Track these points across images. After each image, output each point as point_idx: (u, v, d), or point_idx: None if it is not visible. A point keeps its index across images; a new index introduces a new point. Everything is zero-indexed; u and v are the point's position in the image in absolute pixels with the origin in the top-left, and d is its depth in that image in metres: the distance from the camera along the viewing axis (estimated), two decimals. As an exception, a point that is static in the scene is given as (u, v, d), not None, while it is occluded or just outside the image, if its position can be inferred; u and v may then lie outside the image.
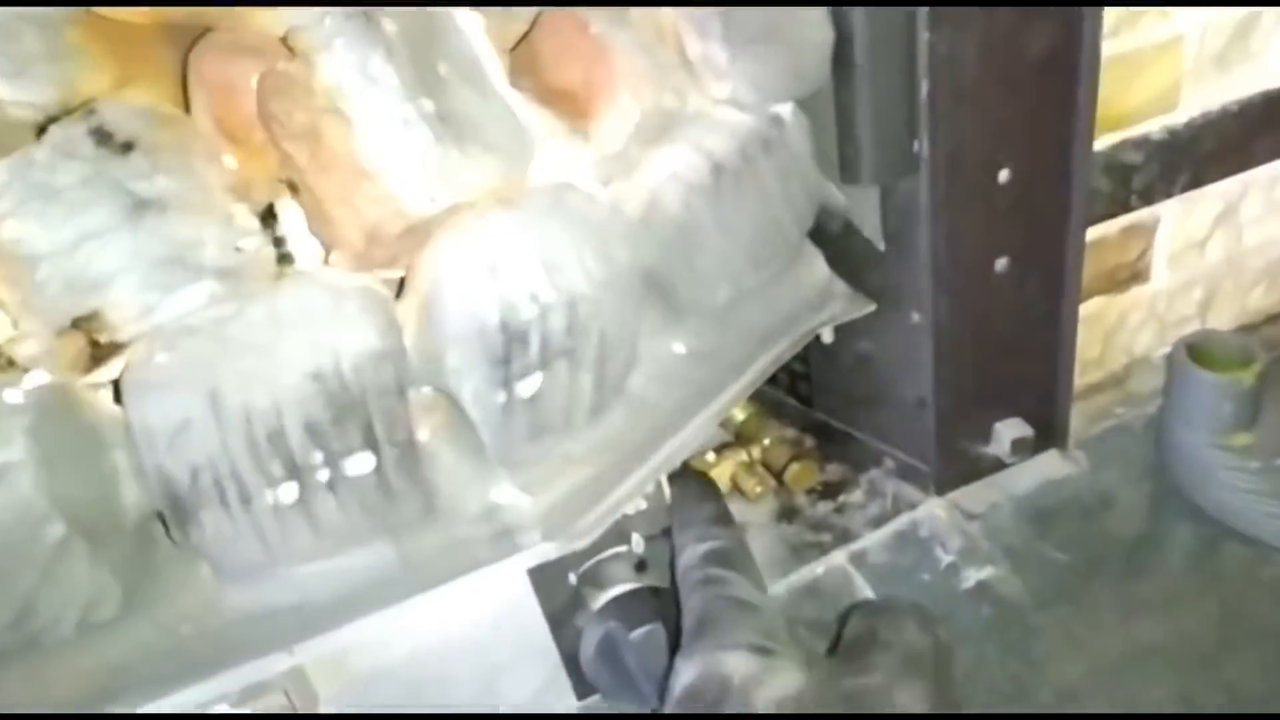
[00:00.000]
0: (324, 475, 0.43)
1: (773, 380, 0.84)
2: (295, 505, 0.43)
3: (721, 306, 0.56)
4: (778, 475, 0.75)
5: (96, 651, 0.44)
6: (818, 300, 0.62)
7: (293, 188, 0.48)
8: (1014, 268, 0.66)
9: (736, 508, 0.76)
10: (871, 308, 0.65)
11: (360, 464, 0.43)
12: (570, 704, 0.64)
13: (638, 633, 0.58)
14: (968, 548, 0.71)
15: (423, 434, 0.51)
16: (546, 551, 0.51)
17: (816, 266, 0.62)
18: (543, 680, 0.63)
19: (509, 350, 0.44)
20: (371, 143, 0.43)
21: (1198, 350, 0.72)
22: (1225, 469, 0.71)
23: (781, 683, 0.44)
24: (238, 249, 0.43)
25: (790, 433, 0.83)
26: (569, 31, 0.51)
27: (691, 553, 0.55)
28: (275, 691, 0.57)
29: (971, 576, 0.69)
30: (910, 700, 0.43)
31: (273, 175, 0.48)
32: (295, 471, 0.42)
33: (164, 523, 0.44)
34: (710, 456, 0.76)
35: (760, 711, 0.42)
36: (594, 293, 0.46)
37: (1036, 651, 0.64)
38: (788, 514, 0.76)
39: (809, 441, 0.83)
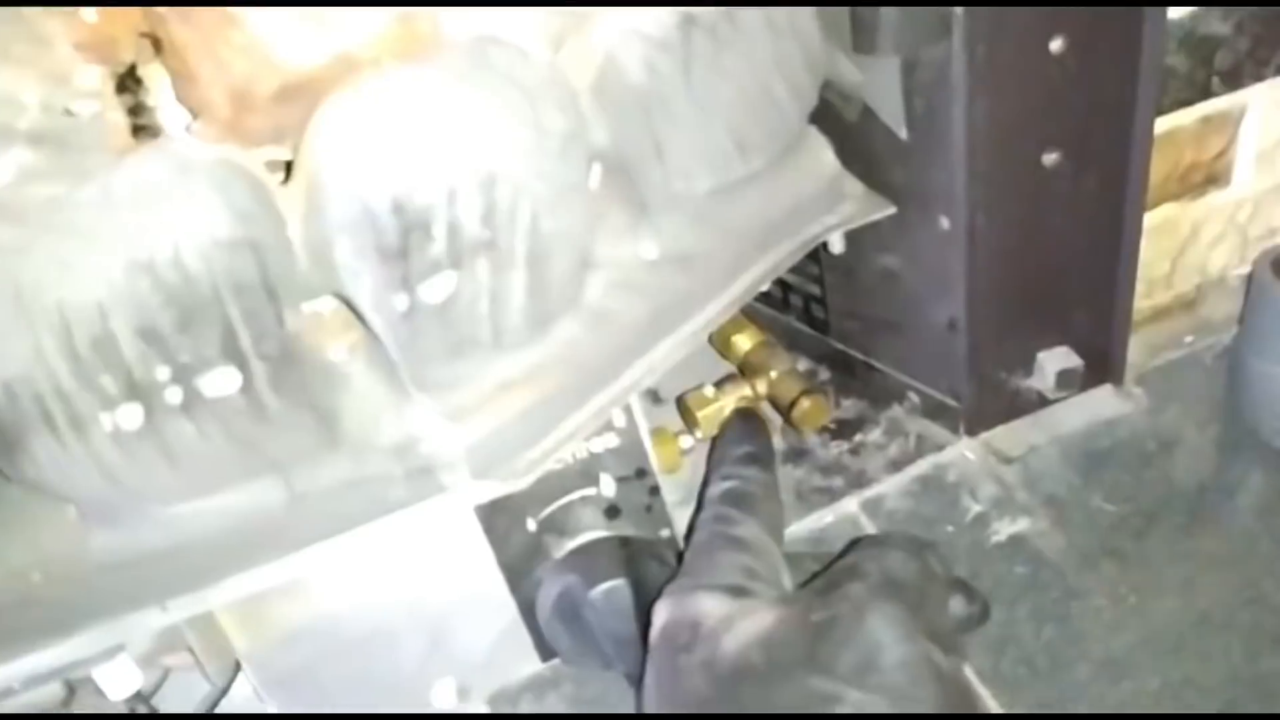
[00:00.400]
0: (175, 395, 0.34)
1: (784, 305, 0.74)
2: (142, 432, 0.34)
3: (701, 200, 0.46)
4: (786, 412, 0.65)
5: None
6: (825, 200, 0.52)
7: (156, 44, 0.38)
8: (1067, 162, 0.55)
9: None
10: (891, 210, 0.55)
11: (221, 382, 0.35)
12: (532, 662, 0.56)
13: (598, 589, 0.49)
14: (1001, 496, 0.61)
15: (336, 353, 0.42)
16: (476, 494, 0.42)
17: (823, 157, 0.51)
18: (497, 634, 0.55)
19: (406, 241, 0.35)
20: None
21: (1287, 268, 0.60)
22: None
23: (750, 624, 0.40)
24: (68, 112, 0.34)
25: (803, 365, 0.73)
26: None
27: (710, 492, 0.52)
28: (179, 650, 0.50)
29: (1004, 529, 0.59)
30: (880, 624, 0.38)
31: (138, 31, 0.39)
32: (136, 390, 0.34)
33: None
34: (709, 390, 0.66)
35: (728, 653, 0.39)
36: (521, 173, 0.36)
37: (1078, 618, 0.54)
38: (795, 455, 0.67)
39: (824, 374, 0.73)
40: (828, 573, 0.43)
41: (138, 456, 0.35)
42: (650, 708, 0.43)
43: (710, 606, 0.42)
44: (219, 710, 0.54)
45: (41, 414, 0.33)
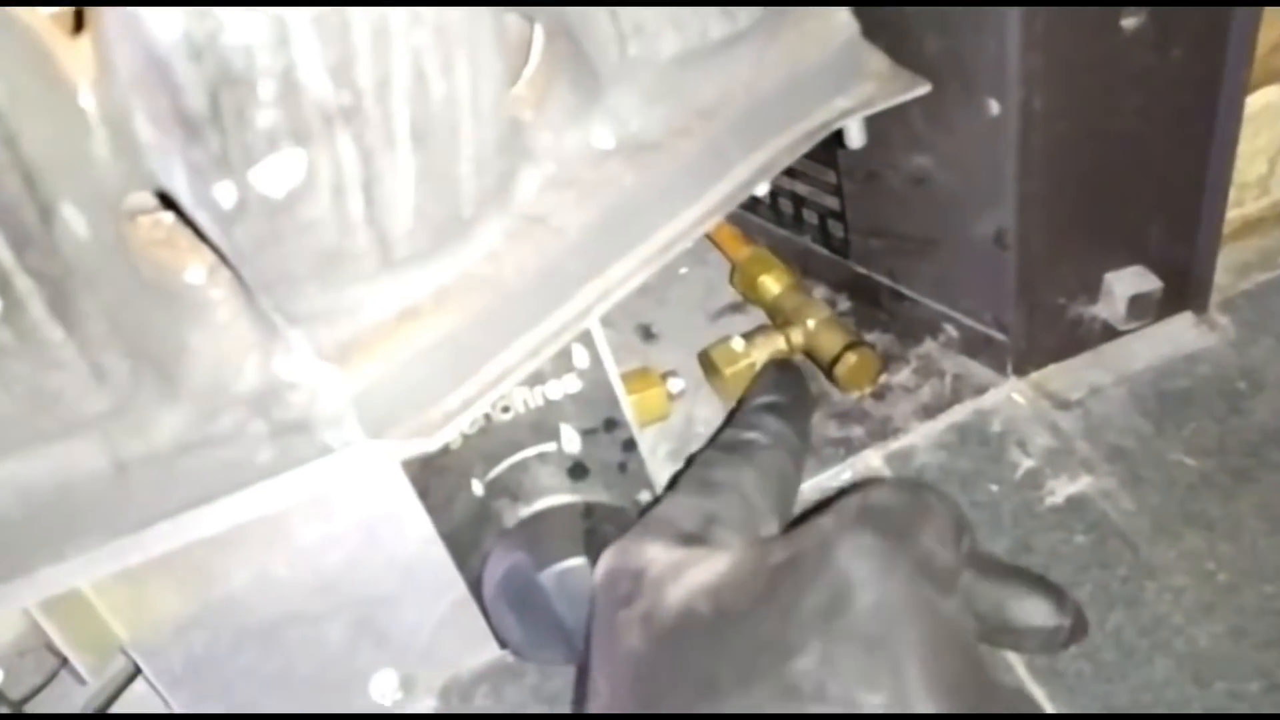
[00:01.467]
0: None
1: (796, 222, 0.63)
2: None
3: (667, 69, 0.35)
4: (827, 369, 0.55)
5: None
6: (837, 75, 0.40)
7: None
8: (1152, 26, 0.43)
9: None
10: (925, 89, 0.43)
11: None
12: (488, 648, 0.47)
13: (551, 570, 0.39)
14: (1057, 449, 0.50)
15: (193, 274, 0.32)
16: (374, 456, 0.32)
17: (835, 18, 0.40)
18: (441, 617, 0.46)
19: (216, 101, 0.24)
20: None
21: None
22: None
23: (699, 571, 0.31)
24: None
25: (819, 293, 0.62)
26: None
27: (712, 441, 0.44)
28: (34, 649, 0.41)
29: (1061, 489, 0.49)
30: (852, 556, 0.28)
31: None
32: None
33: None
34: (738, 344, 0.55)
35: (671, 605, 0.31)
36: (387, 11, 0.25)
37: (1154, 600, 0.44)
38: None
39: (843, 304, 0.62)
40: (800, 519, 0.34)
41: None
42: (592, 673, 0.34)
43: (656, 554, 0.33)
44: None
45: None
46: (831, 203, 0.58)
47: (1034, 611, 0.34)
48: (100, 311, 0.27)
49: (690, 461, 0.42)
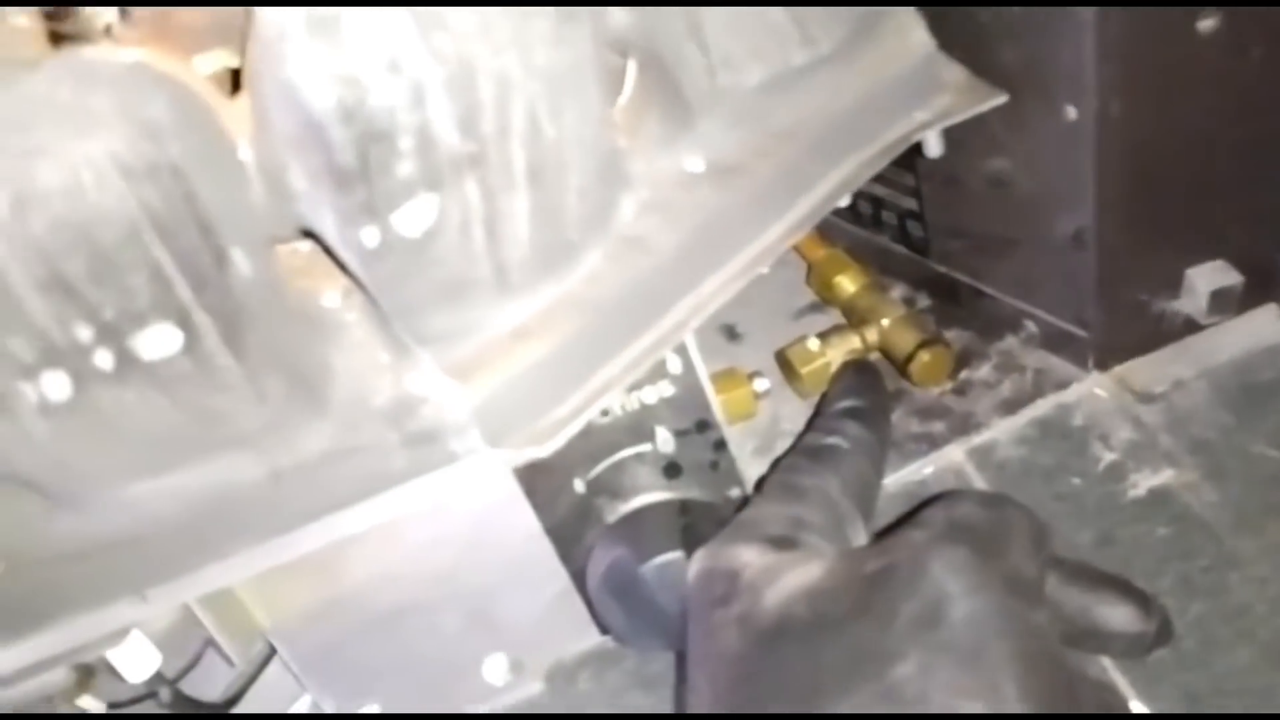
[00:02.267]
0: (105, 359, 0.28)
1: (875, 223, 0.64)
2: (73, 403, 0.29)
3: (753, 97, 0.37)
4: (901, 368, 0.56)
5: None
6: (915, 90, 0.42)
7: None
8: (1228, 28, 0.44)
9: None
10: (1002, 99, 0.45)
11: (160, 341, 0.28)
12: (591, 634, 0.50)
13: (651, 564, 0.42)
14: (1140, 442, 0.51)
15: (329, 299, 0.36)
16: (494, 462, 0.35)
17: (912, 36, 0.41)
18: (547, 606, 0.49)
19: (365, 158, 0.28)
20: None
21: None
22: None
23: (796, 576, 0.33)
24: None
25: (899, 292, 0.64)
26: None
27: (793, 447, 0.45)
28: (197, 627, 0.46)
29: (1144, 482, 0.50)
30: (945, 571, 0.29)
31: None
32: (56, 355, 0.28)
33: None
34: (814, 344, 0.58)
35: (769, 608, 0.33)
36: (508, 64, 0.28)
37: (1237, 590, 0.45)
38: (891, 398, 0.58)
39: (923, 302, 0.64)
40: (887, 529, 0.36)
41: (74, 431, 0.30)
42: (690, 671, 0.37)
43: (750, 557, 0.35)
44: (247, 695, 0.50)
45: (-52, 387, 0.28)
46: (910, 204, 0.60)
47: (1120, 616, 0.35)
48: (261, 339, 0.31)
49: (774, 466, 0.45)
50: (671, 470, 0.47)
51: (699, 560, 0.37)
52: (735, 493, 0.48)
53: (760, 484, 0.44)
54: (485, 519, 0.46)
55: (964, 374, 0.58)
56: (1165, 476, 0.50)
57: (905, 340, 0.57)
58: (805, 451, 0.44)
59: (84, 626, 0.35)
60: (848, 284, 0.61)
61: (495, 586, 0.48)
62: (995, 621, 0.29)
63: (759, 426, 0.58)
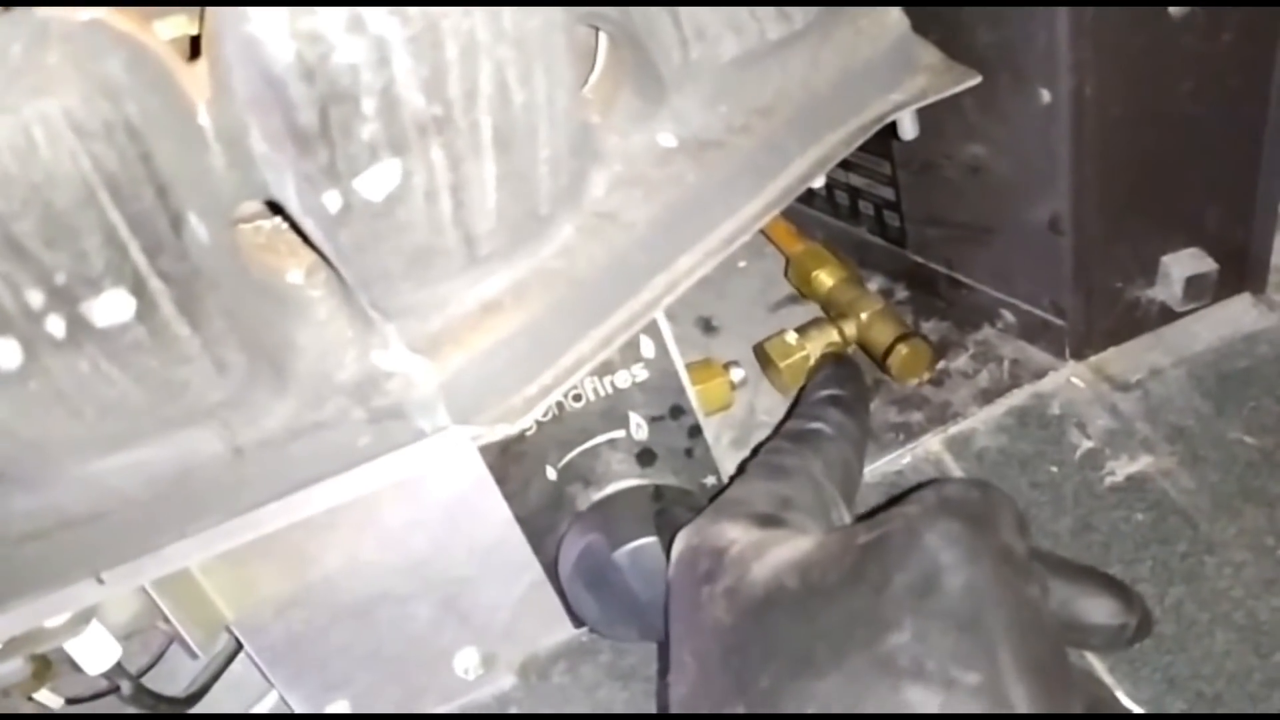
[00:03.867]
0: (56, 326, 0.27)
1: (852, 213, 0.64)
2: (24, 371, 0.28)
3: (727, 71, 0.37)
4: (880, 361, 0.56)
5: None
6: (889, 70, 0.42)
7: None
8: (1200, 13, 0.44)
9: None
10: (976, 80, 0.44)
11: (112, 307, 0.27)
12: (565, 627, 0.49)
13: (624, 549, 0.42)
14: (1117, 429, 0.51)
15: (293, 276, 0.35)
16: (462, 439, 0.34)
17: (887, 15, 0.41)
18: (520, 598, 0.48)
19: (326, 118, 0.27)
20: None
21: None
22: None
23: (784, 550, 0.33)
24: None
25: (877, 283, 0.64)
26: None
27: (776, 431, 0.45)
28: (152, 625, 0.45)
29: (1121, 469, 0.50)
30: (940, 541, 0.29)
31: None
32: (6, 321, 0.27)
33: None
34: (792, 338, 0.57)
35: (757, 579, 0.32)
36: (475, 26, 0.28)
37: (1214, 575, 0.45)
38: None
39: (901, 293, 0.63)
40: (870, 513, 0.35)
41: (25, 402, 0.29)
42: (674, 649, 0.36)
43: (736, 534, 0.35)
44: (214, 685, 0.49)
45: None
46: (887, 193, 0.60)
47: (1101, 609, 0.34)
48: (221, 310, 0.30)
49: (756, 451, 0.44)
50: (645, 457, 0.46)
51: (683, 539, 0.37)
52: (710, 480, 0.47)
53: (742, 467, 0.43)
54: (457, 507, 0.45)
55: (942, 364, 0.57)
56: (1143, 464, 0.50)
57: (883, 334, 0.57)
58: (788, 435, 0.43)
59: (40, 609, 0.34)
60: (826, 278, 0.61)
61: (467, 578, 0.47)
62: (991, 590, 0.28)
63: (735, 418, 0.58)
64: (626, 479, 0.46)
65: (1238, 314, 0.54)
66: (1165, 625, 0.44)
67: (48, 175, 0.25)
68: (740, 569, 0.33)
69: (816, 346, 0.58)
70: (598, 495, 0.46)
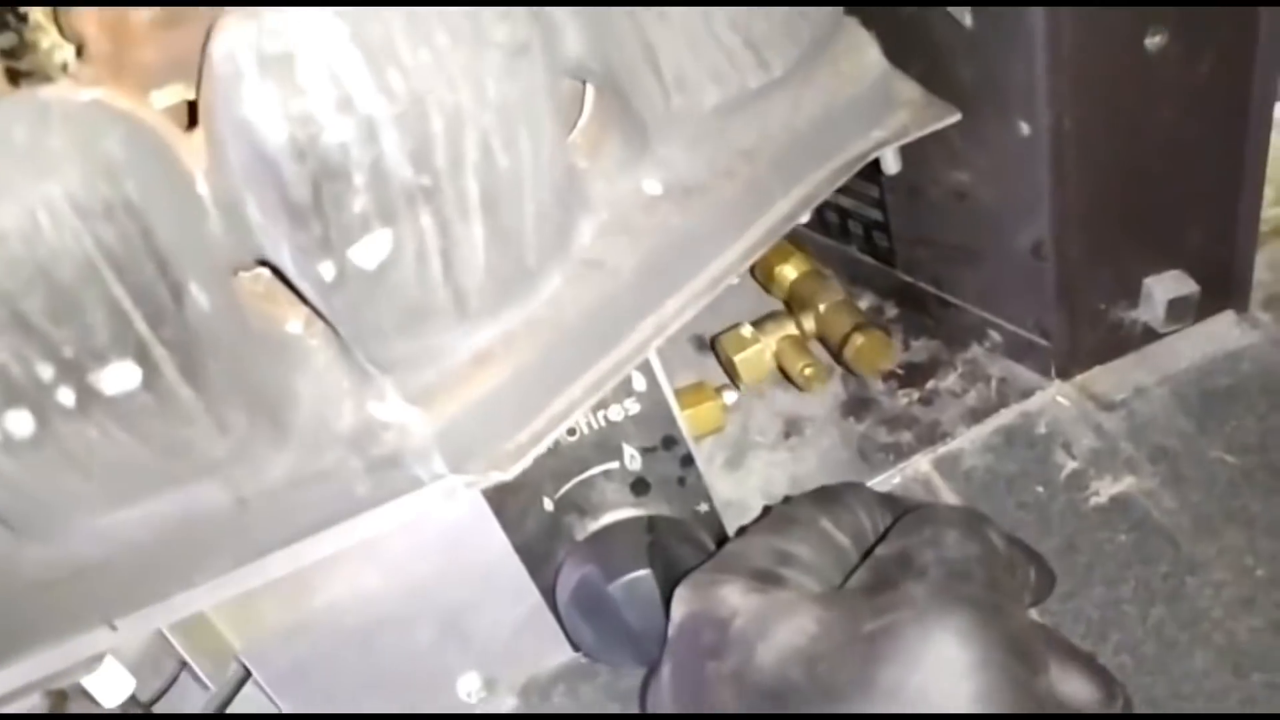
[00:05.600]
0: (66, 396, 0.29)
1: (842, 233, 0.65)
2: (37, 439, 0.29)
3: (709, 119, 0.38)
4: (837, 352, 0.57)
5: None
6: (871, 109, 0.43)
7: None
8: (1176, 45, 0.45)
9: (793, 399, 0.60)
10: (955, 117, 0.45)
11: (119, 377, 0.29)
12: (563, 650, 0.50)
13: (619, 582, 0.43)
14: (1102, 449, 0.52)
15: (293, 326, 0.36)
16: (457, 487, 0.35)
17: (866, 56, 0.42)
18: (519, 623, 0.49)
19: (319, 193, 0.28)
20: None
21: None
22: None
23: (788, 630, 0.33)
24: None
25: (867, 301, 0.65)
26: None
27: None
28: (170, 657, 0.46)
29: (1105, 489, 0.51)
30: (951, 640, 0.30)
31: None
32: (17, 394, 0.28)
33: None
34: (747, 331, 0.58)
35: (764, 667, 0.33)
36: (460, 98, 0.29)
37: (1195, 595, 0.46)
38: (858, 407, 0.59)
39: (890, 311, 0.64)
40: (872, 560, 0.36)
41: (39, 466, 0.30)
42: (665, 708, 0.37)
43: (737, 601, 0.35)
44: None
45: (-87, 425, 0.28)
46: (875, 215, 0.61)
47: (1084, 694, 0.34)
48: (222, 370, 0.31)
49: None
50: (639, 487, 0.47)
51: (682, 601, 0.37)
52: (703, 507, 0.49)
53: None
54: (456, 536, 0.46)
55: (931, 383, 0.58)
56: (1126, 484, 0.51)
57: (840, 325, 0.57)
58: (806, 494, 0.42)
59: (54, 656, 0.36)
60: (789, 271, 0.61)
61: (468, 603, 0.48)
62: (1003, 695, 0.29)
63: (728, 439, 0.59)
64: (621, 509, 0.47)
65: (1221, 332, 0.55)
66: (1147, 646, 0.45)
67: (52, 255, 0.27)
68: (745, 650, 0.33)
69: (772, 339, 0.58)
70: (593, 525, 0.47)
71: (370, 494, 0.35)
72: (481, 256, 0.32)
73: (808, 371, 0.55)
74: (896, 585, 0.33)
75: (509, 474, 0.36)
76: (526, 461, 0.36)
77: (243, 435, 0.32)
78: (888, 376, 0.59)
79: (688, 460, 0.48)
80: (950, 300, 0.59)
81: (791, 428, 0.59)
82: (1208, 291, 0.53)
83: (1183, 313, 0.53)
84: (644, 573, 0.42)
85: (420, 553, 0.47)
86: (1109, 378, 0.55)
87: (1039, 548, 0.48)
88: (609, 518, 0.47)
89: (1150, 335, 0.55)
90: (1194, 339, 0.55)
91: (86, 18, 0.29)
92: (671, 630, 0.38)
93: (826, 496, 0.40)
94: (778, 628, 0.33)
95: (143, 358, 0.29)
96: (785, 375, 0.58)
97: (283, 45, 0.27)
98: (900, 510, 0.38)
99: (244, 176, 0.29)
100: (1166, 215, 0.51)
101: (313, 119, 0.27)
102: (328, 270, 0.30)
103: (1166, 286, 0.53)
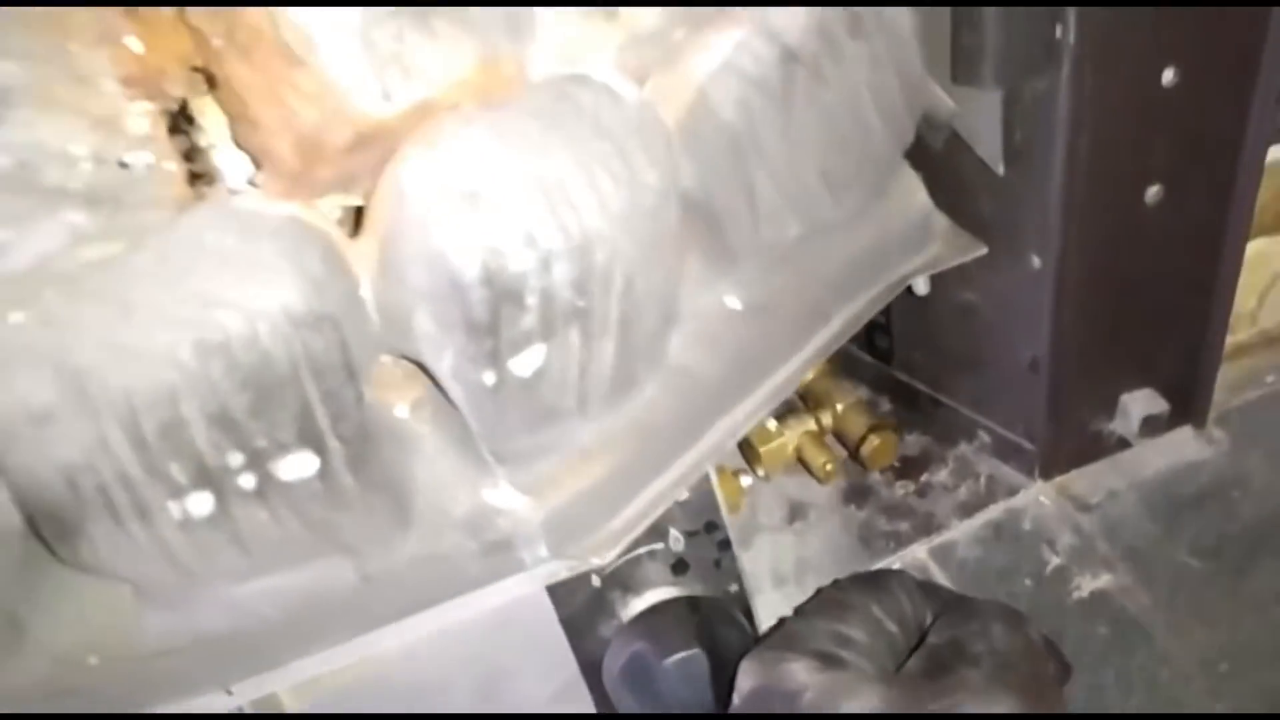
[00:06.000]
0: (248, 481, 0.31)
1: (844, 330, 0.70)
2: (212, 518, 0.31)
3: (789, 246, 0.42)
4: (853, 449, 0.62)
5: None
6: (914, 240, 0.49)
7: (210, 80, 0.35)
8: (1169, 197, 0.52)
9: (798, 484, 0.64)
10: (982, 251, 0.51)
11: (298, 466, 0.31)
12: (590, 721, 0.53)
13: (672, 659, 0.46)
14: (1081, 547, 0.58)
15: (400, 410, 0.39)
16: (557, 570, 0.39)
17: (915, 196, 0.48)
18: (555, 691, 0.52)
19: (496, 314, 0.31)
20: (303, 14, 0.30)
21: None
22: None
23: (855, 705, 0.36)
24: (122, 164, 0.31)
25: (866, 396, 0.70)
26: None
27: None
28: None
29: (1086, 585, 0.56)
30: None
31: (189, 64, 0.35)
32: (207, 477, 0.31)
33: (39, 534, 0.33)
34: (771, 424, 0.63)
35: None
36: (616, 232, 0.33)
37: (1168, 685, 0.51)
38: (858, 495, 0.64)
39: (884, 405, 0.70)
40: (927, 648, 0.40)
41: (206, 543, 0.32)
42: None
43: (805, 677, 0.38)
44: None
45: (104, 503, 0.30)
46: (879, 318, 0.66)
47: None
48: (376, 460, 0.34)
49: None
50: (679, 567, 0.51)
51: (750, 674, 0.40)
52: (734, 588, 0.52)
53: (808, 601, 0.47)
54: (507, 606, 0.49)
55: (925, 476, 0.64)
56: (1104, 581, 0.56)
57: (857, 425, 0.63)
58: (852, 576, 0.45)
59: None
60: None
61: (508, 671, 0.51)
62: None
63: (738, 520, 0.63)
64: (661, 587, 0.51)
65: (1183, 444, 0.62)
66: (1129, 730, 0.50)
67: (265, 360, 0.29)
68: None
69: (794, 434, 0.63)
70: (635, 601, 0.51)
71: (480, 574, 0.38)
72: (609, 367, 0.36)
73: (829, 467, 0.60)
74: (953, 671, 0.37)
75: (603, 559, 0.39)
76: (619, 548, 0.39)
77: (380, 517, 0.35)
78: (885, 469, 0.64)
79: (725, 544, 0.51)
80: (944, 401, 0.65)
81: (796, 512, 0.63)
82: (1173, 408, 0.60)
83: (1154, 429, 0.59)
84: (695, 652, 0.46)
85: (473, 620, 0.49)
86: (1085, 480, 0.61)
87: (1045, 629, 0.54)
88: (651, 595, 0.51)
89: (1123, 444, 0.61)
90: (1160, 449, 0.62)
91: (280, 136, 0.32)
92: (738, 699, 0.41)
93: (876, 584, 0.44)
94: (845, 704, 0.37)
95: (320, 449, 0.32)
96: (805, 467, 0.62)
97: (472, 183, 0.31)
98: (938, 598, 0.43)
99: (422, 293, 0.32)
100: (1145, 341, 0.58)
101: (501, 252, 0.31)
102: (489, 378, 0.33)
103: (1141, 404, 0.59)
